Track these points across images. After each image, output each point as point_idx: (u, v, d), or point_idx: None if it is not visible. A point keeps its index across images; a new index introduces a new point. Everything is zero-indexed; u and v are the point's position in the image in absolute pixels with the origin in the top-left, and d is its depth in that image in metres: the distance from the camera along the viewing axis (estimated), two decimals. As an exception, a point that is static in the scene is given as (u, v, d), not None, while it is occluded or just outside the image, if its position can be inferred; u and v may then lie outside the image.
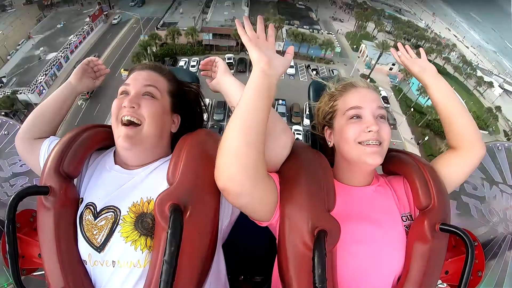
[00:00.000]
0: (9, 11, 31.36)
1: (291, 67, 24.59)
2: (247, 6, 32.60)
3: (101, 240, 0.81)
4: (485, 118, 26.35)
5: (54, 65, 23.29)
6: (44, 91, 21.81)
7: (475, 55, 41.49)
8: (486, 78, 32.72)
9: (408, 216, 0.89)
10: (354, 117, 0.88)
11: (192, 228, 0.74)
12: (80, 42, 26.81)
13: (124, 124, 0.87)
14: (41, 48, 24.67)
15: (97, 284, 0.82)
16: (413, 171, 0.89)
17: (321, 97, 1.01)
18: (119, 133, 0.87)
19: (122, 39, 29.32)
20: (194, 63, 24.40)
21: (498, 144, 1.16)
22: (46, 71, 22.52)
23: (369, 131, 0.84)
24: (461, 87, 31.30)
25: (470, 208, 1.15)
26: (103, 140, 0.98)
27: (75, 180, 0.91)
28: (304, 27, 29.21)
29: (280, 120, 0.87)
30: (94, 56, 1.18)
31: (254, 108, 0.72)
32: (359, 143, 0.85)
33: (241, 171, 0.70)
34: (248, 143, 0.70)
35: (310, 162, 0.84)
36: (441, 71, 31.21)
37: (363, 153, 0.84)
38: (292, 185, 0.79)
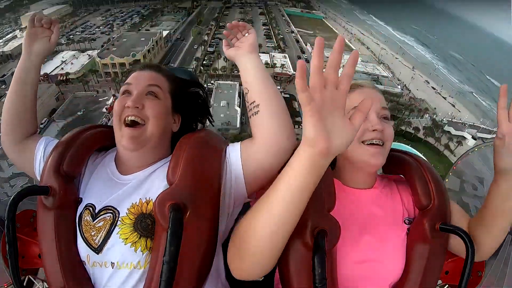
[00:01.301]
0: None
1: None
2: (240, 98, 35.64)
3: (98, 241, 0.81)
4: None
5: None
6: None
7: (453, 105, 44.07)
8: (459, 133, 35.02)
9: (412, 220, 0.89)
10: None
11: (192, 228, 0.74)
12: None
13: (128, 125, 0.86)
14: None
15: (97, 285, 0.82)
16: (413, 171, 0.89)
17: None
18: (123, 134, 0.86)
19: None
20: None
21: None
22: None
23: (374, 130, 0.84)
24: (433, 150, 33.23)
25: (470, 208, 1.15)
26: (104, 141, 0.98)
27: (75, 180, 0.91)
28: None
29: (287, 124, 0.81)
30: None
31: (297, 201, 0.58)
32: (362, 142, 0.85)
33: (260, 272, 0.67)
34: (278, 248, 0.63)
35: None
36: (412, 138, 33.95)
37: (366, 153, 0.84)
38: None
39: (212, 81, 42.75)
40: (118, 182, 0.88)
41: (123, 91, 0.92)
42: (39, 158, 0.96)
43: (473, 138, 33.83)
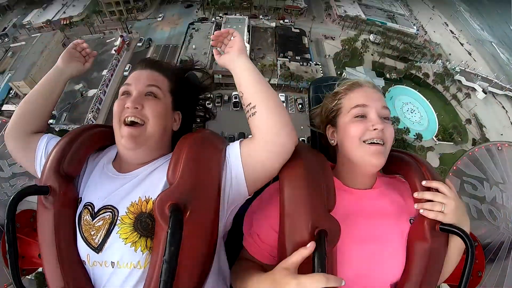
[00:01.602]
0: (33, 35, 32.68)
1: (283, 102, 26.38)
2: (248, 32, 33.21)
3: (98, 240, 0.81)
4: (451, 131, 27.37)
5: (96, 101, 26.02)
6: (93, 123, 24.61)
7: (469, 53, 41.28)
8: (469, 84, 33.14)
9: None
10: (359, 116, 0.88)
11: (192, 228, 0.74)
12: (112, 75, 29.27)
13: (127, 125, 0.87)
14: (80, 84, 26.46)
15: (97, 284, 0.82)
16: (413, 170, 0.89)
17: (326, 95, 1.01)
18: (122, 133, 0.86)
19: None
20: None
21: (498, 144, 1.16)
22: (92, 108, 25.39)
23: (374, 129, 0.84)
24: (440, 98, 31.93)
25: (470, 208, 1.15)
26: (103, 140, 0.98)
27: (75, 180, 0.91)
28: (297, 58, 30.56)
29: (287, 122, 0.83)
30: None
31: None
32: (363, 142, 0.85)
33: None
34: None
35: (310, 162, 0.84)
36: (420, 83, 32.35)
37: (367, 152, 0.84)
38: (292, 184, 0.79)
39: (220, 15, 39.99)
40: (117, 180, 0.88)
41: (122, 92, 0.92)
42: (40, 154, 0.97)
43: (484, 91, 32.05)
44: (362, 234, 0.83)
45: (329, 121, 0.97)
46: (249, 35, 33.23)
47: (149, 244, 0.79)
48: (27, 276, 1.07)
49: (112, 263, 0.80)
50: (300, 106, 26.31)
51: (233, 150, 0.83)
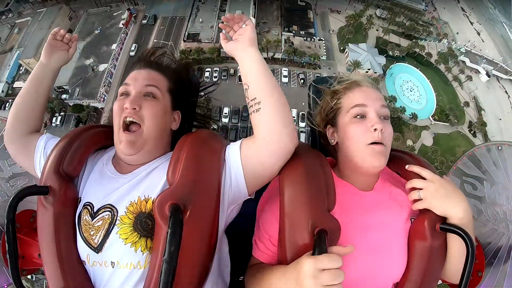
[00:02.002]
0: (38, 11, 32.31)
1: (285, 77, 26.76)
2: (254, 5, 32.99)
3: (98, 240, 0.81)
4: (448, 112, 27.17)
5: (108, 76, 26.42)
6: (105, 97, 25.72)
7: (478, 33, 39.45)
8: (473, 65, 32.24)
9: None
10: (358, 116, 0.88)
11: (192, 228, 0.74)
12: (121, 49, 29.53)
13: (126, 128, 0.87)
14: (91, 59, 26.73)
15: (97, 284, 0.82)
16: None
17: (324, 93, 1.01)
18: (121, 138, 0.87)
19: (155, 43, 30.89)
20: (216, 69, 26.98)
21: (498, 144, 1.16)
22: (104, 83, 25.81)
23: (374, 129, 0.84)
24: (441, 78, 31.39)
25: (470, 208, 1.14)
26: (103, 140, 0.98)
27: (75, 180, 0.91)
28: (301, 32, 30.46)
29: (290, 122, 0.82)
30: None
31: None
32: (364, 143, 0.85)
33: None
34: None
35: (310, 162, 0.84)
36: (423, 62, 31.65)
37: (368, 153, 0.84)
38: (293, 185, 0.79)
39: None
40: (116, 179, 0.88)
41: (121, 93, 0.93)
42: (39, 153, 0.97)
43: (487, 74, 30.98)
44: (365, 234, 0.82)
45: (328, 120, 0.97)
46: (255, 8, 33.05)
47: (149, 244, 0.79)
48: (28, 276, 1.07)
49: (112, 263, 0.80)
50: (302, 81, 26.60)
51: (233, 150, 0.83)
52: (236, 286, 1.04)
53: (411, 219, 0.86)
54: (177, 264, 0.66)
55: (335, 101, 0.94)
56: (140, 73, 0.94)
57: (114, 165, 0.92)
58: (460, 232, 0.75)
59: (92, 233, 0.82)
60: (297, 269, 0.68)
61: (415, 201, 0.82)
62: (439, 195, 0.78)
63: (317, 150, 0.94)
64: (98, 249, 0.81)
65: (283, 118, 0.79)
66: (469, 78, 31.12)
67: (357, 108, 0.88)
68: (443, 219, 0.79)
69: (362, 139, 0.85)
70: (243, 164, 0.81)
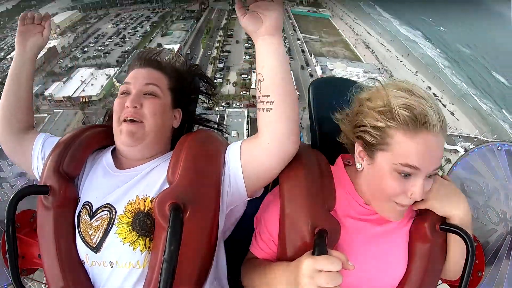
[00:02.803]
0: (55, 110, 35.75)
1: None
2: None
3: (96, 240, 0.81)
4: None
5: None
6: None
7: (452, 113, 42.12)
8: (451, 147, 33.07)
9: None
10: (403, 174, 0.70)
11: (192, 228, 0.74)
12: None
13: (126, 121, 0.87)
14: None
15: (96, 284, 0.82)
16: None
17: (373, 95, 0.75)
18: (122, 129, 0.87)
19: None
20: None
21: (498, 144, 1.16)
22: None
23: (410, 198, 0.73)
24: None
25: (470, 208, 1.14)
26: (103, 140, 0.98)
27: (75, 179, 0.91)
28: None
29: (296, 128, 0.78)
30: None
31: None
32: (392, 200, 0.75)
33: None
34: None
35: (310, 161, 0.84)
36: None
37: (390, 208, 0.77)
38: (292, 184, 0.79)
39: (223, 104, 43.22)
40: (115, 178, 0.88)
41: (122, 91, 0.92)
42: (37, 153, 0.96)
43: (466, 151, 32.05)
44: (366, 236, 0.81)
45: (364, 142, 0.76)
46: (248, 129, 34.06)
47: (148, 243, 0.79)
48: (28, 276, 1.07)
49: (111, 263, 0.80)
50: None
51: (234, 151, 0.83)
52: (236, 287, 1.04)
53: (412, 219, 0.85)
54: (177, 263, 0.66)
55: (383, 127, 0.70)
56: (140, 72, 0.94)
57: (114, 161, 0.92)
58: (460, 232, 0.75)
59: (90, 232, 0.82)
60: (297, 267, 0.68)
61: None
62: (439, 195, 0.77)
63: (317, 150, 0.94)
64: (96, 249, 0.81)
65: (293, 124, 0.76)
66: (448, 161, 30.92)
67: (407, 169, 0.69)
68: (443, 219, 0.80)
69: (393, 197, 0.74)
70: (243, 166, 0.80)
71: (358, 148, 0.78)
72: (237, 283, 0.97)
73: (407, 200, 0.73)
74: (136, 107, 0.87)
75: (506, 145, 1.15)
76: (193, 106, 1.07)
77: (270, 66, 0.74)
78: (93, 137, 0.96)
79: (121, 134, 0.88)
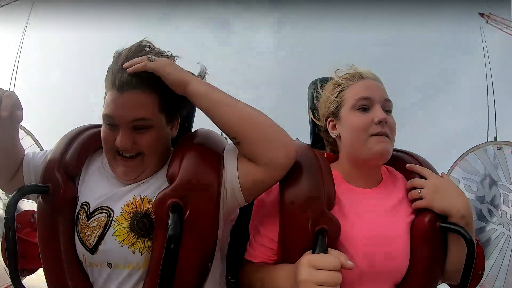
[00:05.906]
0: None
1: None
2: None
3: (93, 242, 0.80)
4: None
5: None
6: None
7: None
8: None
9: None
10: (362, 108, 0.86)
11: (191, 227, 0.74)
12: None
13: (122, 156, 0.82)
14: None
15: (96, 285, 0.82)
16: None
17: (326, 86, 0.98)
18: (118, 163, 0.83)
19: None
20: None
21: (498, 145, 1.16)
22: None
23: (379, 122, 0.83)
24: None
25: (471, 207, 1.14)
26: None
27: (75, 179, 0.91)
28: None
29: (280, 143, 0.77)
30: None
31: None
32: (368, 134, 0.83)
33: None
34: None
35: (310, 161, 0.84)
36: None
37: (373, 142, 0.83)
38: (292, 184, 0.79)
39: None
40: (114, 180, 0.87)
41: (106, 120, 0.80)
42: (29, 174, 0.90)
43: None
44: (366, 234, 0.81)
45: (330, 113, 0.95)
46: None
47: (147, 244, 0.79)
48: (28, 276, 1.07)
49: (109, 264, 0.79)
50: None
51: (230, 164, 0.81)
52: (235, 287, 1.04)
53: (414, 218, 0.85)
54: (177, 263, 0.66)
55: (337, 93, 0.92)
56: (122, 102, 0.76)
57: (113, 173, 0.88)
58: (461, 231, 0.75)
59: (87, 233, 0.81)
60: (297, 265, 0.69)
61: (415, 200, 0.82)
62: (439, 194, 0.78)
63: (317, 149, 0.94)
64: (93, 250, 0.80)
65: (272, 143, 0.75)
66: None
67: (362, 101, 0.86)
68: (444, 218, 0.79)
69: (366, 131, 0.84)
70: (240, 180, 0.79)
71: (329, 123, 0.94)
72: (237, 283, 0.97)
73: (376, 127, 0.82)
74: (128, 146, 0.79)
75: (506, 145, 1.16)
76: (188, 104, 0.94)
77: (211, 113, 0.78)
78: (93, 137, 0.95)
79: (117, 168, 0.83)
